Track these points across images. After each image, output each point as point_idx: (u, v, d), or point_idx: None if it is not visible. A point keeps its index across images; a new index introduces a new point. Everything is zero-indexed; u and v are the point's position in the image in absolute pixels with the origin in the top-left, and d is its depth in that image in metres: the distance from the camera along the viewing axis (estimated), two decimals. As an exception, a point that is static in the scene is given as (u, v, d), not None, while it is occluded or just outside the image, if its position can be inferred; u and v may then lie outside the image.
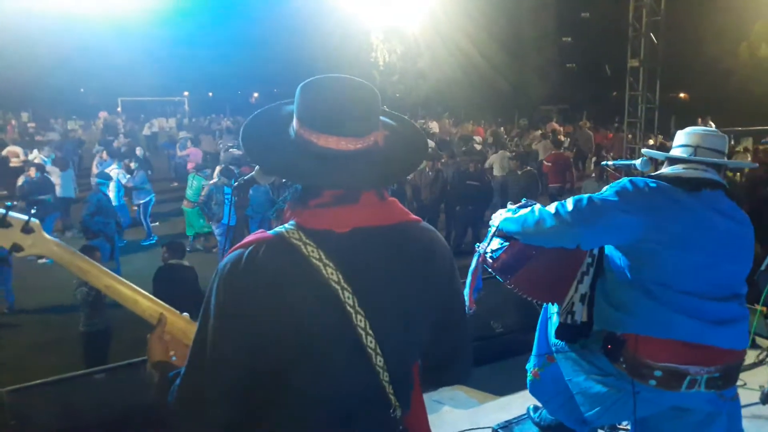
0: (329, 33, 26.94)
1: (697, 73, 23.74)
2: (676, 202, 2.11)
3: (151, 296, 1.58)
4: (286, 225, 1.33)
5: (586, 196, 2.15)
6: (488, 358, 4.18)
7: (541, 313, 2.72)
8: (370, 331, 1.29)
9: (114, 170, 10.62)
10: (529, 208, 2.28)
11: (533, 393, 2.74)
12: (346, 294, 1.27)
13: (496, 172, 11.65)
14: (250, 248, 1.29)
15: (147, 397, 1.42)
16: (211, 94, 42.33)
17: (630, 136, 12.97)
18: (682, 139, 2.32)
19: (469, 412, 3.68)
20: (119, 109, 34.12)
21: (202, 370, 1.27)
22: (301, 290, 1.26)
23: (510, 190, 10.11)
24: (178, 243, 6.11)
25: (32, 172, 10.33)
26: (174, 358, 1.51)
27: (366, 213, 1.35)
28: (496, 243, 2.44)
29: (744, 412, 3.50)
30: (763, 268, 3.97)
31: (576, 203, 2.11)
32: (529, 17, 27.13)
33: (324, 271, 1.27)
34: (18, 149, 14.71)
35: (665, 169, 2.30)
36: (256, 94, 43.11)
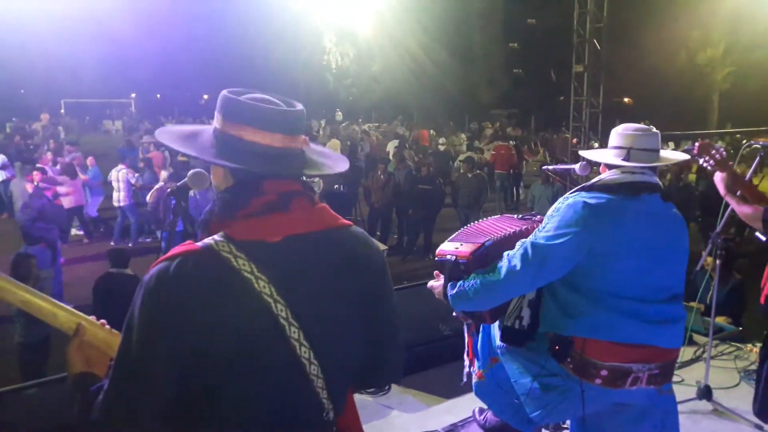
0: (280, 33, 26.73)
1: (639, 79, 24.58)
2: (617, 213, 2.16)
3: (71, 309, 1.52)
4: (215, 237, 1.29)
5: (529, 243, 2.14)
6: (436, 361, 4.20)
7: None
8: (305, 342, 1.28)
9: (122, 171, 10.59)
10: (471, 281, 2.24)
11: (478, 395, 2.76)
12: (279, 306, 1.26)
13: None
14: (178, 260, 1.25)
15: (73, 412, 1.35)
16: (159, 95, 41.38)
17: (575, 140, 13.39)
18: (616, 140, 2.35)
19: (417, 416, 3.68)
20: (62, 110, 33.01)
21: (125, 385, 1.23)
22: (231, 304, 1.24)
23: (461, 192, 10.21)
24: (119, 250, 5.88)
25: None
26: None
27: (298, 220, 1.34)
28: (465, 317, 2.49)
29: (681, 407, 3.61)
30: (698, 267, 4.11)
31: (523, 257, 2.12)
32: (477, 23, 27.60)
33: (256, 285, 1.25)
34: None
35: (604, 175, 2.33)
36: (206, 96, 42.35)
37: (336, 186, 10.28)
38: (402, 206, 10.33)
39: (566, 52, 10.70)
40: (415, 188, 10.16)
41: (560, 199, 2.27)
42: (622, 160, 2.30)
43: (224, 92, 1.37)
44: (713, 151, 3.01)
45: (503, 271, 2.16)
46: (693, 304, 5.34)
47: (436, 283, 2.43)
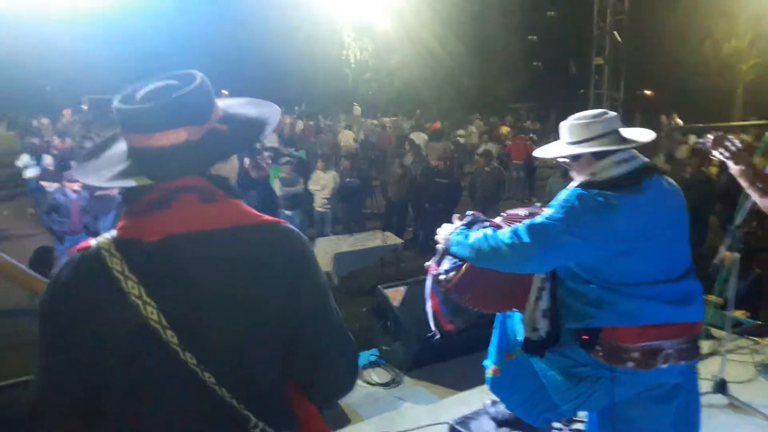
0: (297, 28, 26.73)
1: (661, 71, 24.20)
2: (624, 208, 2.13)
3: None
4: (106, 234, 1.28)
5: (538, 221, 2.15)
6: (449, 354, 4.21)
7: None
8: (186, 347, 1.20)
9: None
10: (480, 232, 2.29)
11: (493, 390, 2.76)
12: (149, 309, 1.19)
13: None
14: (69, 257, 1.28)
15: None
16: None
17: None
18: (589, 130, 2.27)
19: (429, 408, 3.70)
20: (85, 107, 33.41)
21: (36, 389, 1.28)
22: (101, 303, 1.21)
23: (478, 186, 10.16)
24: (45, 249, 5.66)
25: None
26: None
27: (182, 218, 1.24)
28: (447, 263, 2.43)
29: (697, 401, 3.59)
30: (716, 260, 4.05)
31: (529, 232, 2.13)
32: (495, 16, 27.35)
33: (124, 285, 1.20)
34: None
35: (604, 169, 2.25)
36: (225, 92, 42.68)
37: (348, 179, 10.30)
38: (418, 200, 10.32)
39: (586, 45, 10.54)
40: (432, 182, 10.13)
41: (569, 191, 2.24)
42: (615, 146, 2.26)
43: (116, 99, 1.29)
44: (728, 143, 2.96)
45: (509, 235, 2.16)
46: (711, 297, 5.28)
47: (447, 226, 2.46)
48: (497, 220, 2.55)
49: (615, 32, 9.68)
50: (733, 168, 3.00)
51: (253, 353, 1.26)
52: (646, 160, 2.29)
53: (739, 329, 4.72)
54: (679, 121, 15.70)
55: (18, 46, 24.77)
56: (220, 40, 28.95)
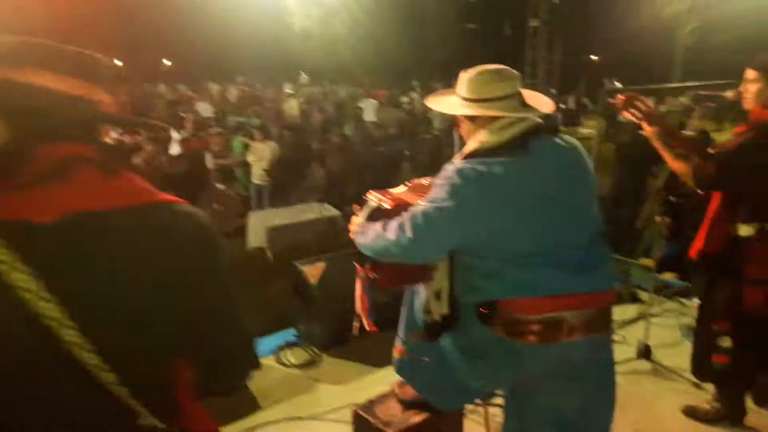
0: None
1: (600, 35, 24.15)
2: (509, 173, 1.95)
3: None
4: None
5: (421, 210, 1.98)
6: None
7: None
8: (88, 345, 1.04)
9: None
10: (374, 228, 2.14)
11: (400, 372, 2.60)
12: (43, 304, 1.01)
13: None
14: None
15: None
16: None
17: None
18: (485, 89, 2.07)
19: (346, 389, 3.53)
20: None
21: None
22: None
23: (418, 155, 9.99)
24: None
25: None
26: None
27: (81, 194, 1.07)
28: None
29: (621, 368, 3.52)
30: (639, 225, 3.96)
31: (413, 225, 1.97)
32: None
33: (8, 277, 0.99)
34: None
35: (488, 138, 2.04)
36: (166, 61, 41.18)
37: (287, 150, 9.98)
38: (358, 171, 10.07)
39: (522, 6, 10.31)
40: (372, 151, 9.90)
41: (447, 167, 2.04)
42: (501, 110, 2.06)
43: None
44: (638, 103, 2.80)
45: (394, 232, 2.02)
46: (643, 261, 5.25)
47: (355, 220, 2.31)
48: (400, 190, 2.41)
49: None
50: (647, 129, 2.85)
51: (152, 346, 1.14)
52: (535, 120, 2.09)
53: (668, 291, 4.69)
54: (619, 85, 15.79)
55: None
56: (156, 8, 27.78)
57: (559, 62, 9.30)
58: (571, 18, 10.32)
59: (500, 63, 2.18)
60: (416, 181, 2.49)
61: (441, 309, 2.16)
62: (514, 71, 2.13)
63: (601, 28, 22.72)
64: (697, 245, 2.88)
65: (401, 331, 2.55)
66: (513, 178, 1.94)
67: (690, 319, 4.02)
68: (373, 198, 2.35)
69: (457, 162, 2.03)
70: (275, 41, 30.78)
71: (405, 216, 2.01)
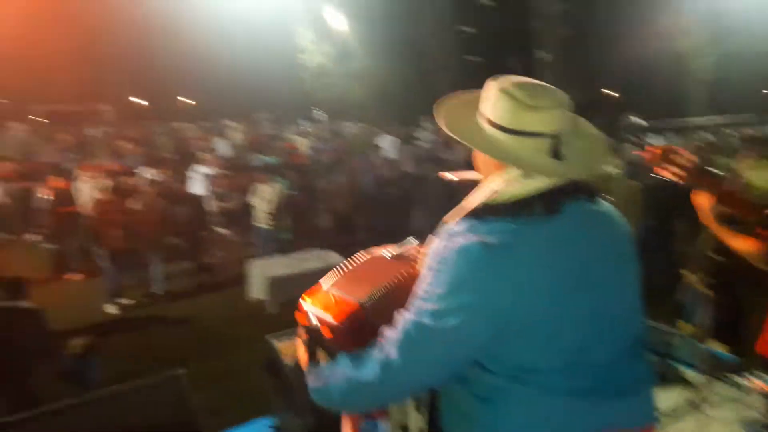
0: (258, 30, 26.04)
1: (612, 68, 23.58)
2: (532, 253, 1.36)
3: None
4: None
5: (411, 323, 1.39)
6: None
7: None
8: None
9: None
10: (333, 369, 1.52)
11: None
12: None
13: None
14: None
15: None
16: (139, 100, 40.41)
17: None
18: (522, 117, 1.42)
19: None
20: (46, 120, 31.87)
21: None
22: None
23: (428, 196, 9.50)
24: (12, 280, 5.07)
25: None
26: None
27: None
28: None
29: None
30: (685, 293, 3.38)
31: (403, 346, 1.39)
32: (424, 8, 26.19)
33: None
34: None
35: (507, 187, 1.43)
36: (188, 100, 41.69)
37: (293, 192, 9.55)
38: (367, 214, 9.60)
39: (527, 38, 9.79)
40: (381, 192, 9.44)
41: (442, 236, 1.44)
42: (551, 156, 1.43)
43: None
44: (676, 157, 2.18)
45: (377, 367, 1.41)
46: (685, 327, 4.64)
47: (302, 353, 1.67)
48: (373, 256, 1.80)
49: (559, 24, 8.88)
50: (697, 199, 2.28)
51: None
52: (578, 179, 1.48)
53: (718, 365, 4.03)
54: (640, 121, 15.23)
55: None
56: (177, 47, 28.06)
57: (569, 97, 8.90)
58: (582, 50, 9.75)
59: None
60: (347, 270, 1.81)
61: (420, 424, 1.58)
62: (562, 95, 1.48)
63: (613, 61, 22.18)
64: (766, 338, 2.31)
65: None
66: (535, 255, 1.36)
67: (752, 412, 3.37)
68: (310, 309, 1.68)
69: (455, 226, 1.43)
70: (290, 78, 30.88)
71: (396, 332, 1.42)
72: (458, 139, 1.48)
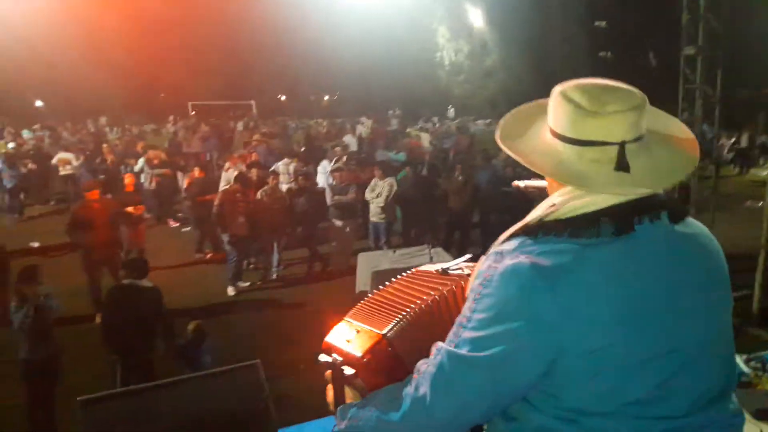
0: (391, 33, 26.48)
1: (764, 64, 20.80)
2: (592, 277, 1.15)
3: None
4: None
5: (446, 354, 1.21)
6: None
7: None
8: None
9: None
10: (363, 415, 1.33)
11: None
12: None
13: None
14: None
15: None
16: (282, 97, 42.79)
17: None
18: (588, 125, 1.21)
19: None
20: (192, 112, 34.91)
21: None
22: None
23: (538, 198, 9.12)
24: (138, 260, 5.58)
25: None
26: None
27: None
28: None
29: None
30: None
31: (435, 382, 1.21)
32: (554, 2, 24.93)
33: None
34: (69, 156, 14.73)
35: (565, 197, 1.23)
36: (326, 97, 43.50)
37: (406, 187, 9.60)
38: (484, 211, 9.43)
39: (671, 32, 8.92)
40: (499, 191, 9.19)
41: (488, 258, 1.25)
42: (616, 169, 1.19)
43: None
44: None
45: (407, 405, 1.24)
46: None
47: (328, 391, 1.47)
48: (408, 276, 1.63)
49: (710, 15, 8.01)
50: None
51: None
52: (659, 191, 1.26)
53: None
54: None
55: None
56: (314, 45, 29.34)
57: (718, 97, 7.95)
58: (731, 44, 8.78)
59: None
60: (370, 298, 1.55)
61: None
62: (639, 96, 1.24)
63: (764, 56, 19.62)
64: None
65: None
66: (599, 281, 1.15)
67: None
68: (333, 343, 1.45)
69: (504, 245, 1.24)
70: (425, 75, 31.19)
71: (430, 365, 1.24)
72: (505, 150, 1.32)
